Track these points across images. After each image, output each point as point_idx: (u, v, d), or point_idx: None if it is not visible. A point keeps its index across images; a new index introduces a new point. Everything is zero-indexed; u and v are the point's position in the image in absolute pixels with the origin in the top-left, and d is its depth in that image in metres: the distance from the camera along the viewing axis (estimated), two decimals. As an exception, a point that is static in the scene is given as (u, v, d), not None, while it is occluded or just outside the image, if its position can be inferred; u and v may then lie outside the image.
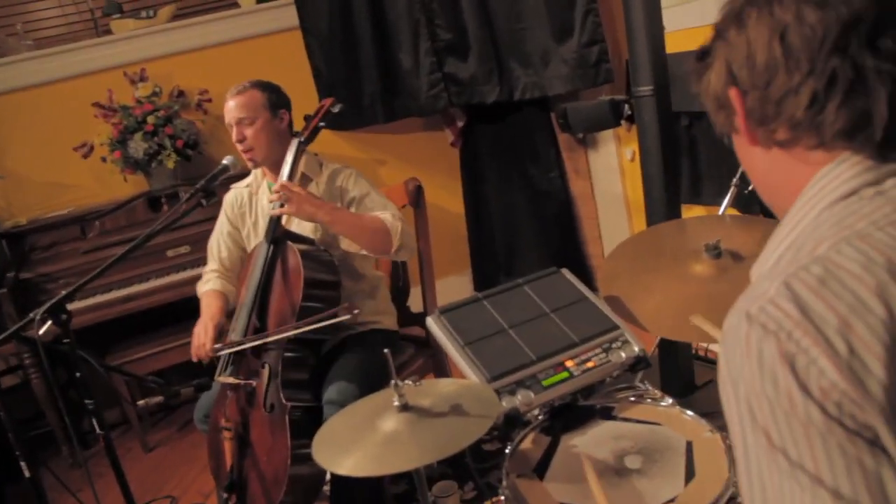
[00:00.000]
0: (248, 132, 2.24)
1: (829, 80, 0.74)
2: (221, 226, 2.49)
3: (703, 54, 0.88)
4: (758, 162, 0.87)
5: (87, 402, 1.78)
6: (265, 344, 2.14)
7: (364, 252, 2.24)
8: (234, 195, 2.47)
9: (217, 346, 2.18)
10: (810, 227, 0.77)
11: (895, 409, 0.63)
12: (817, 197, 0.78)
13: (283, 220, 2.23)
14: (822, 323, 0.66)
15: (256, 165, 2.34)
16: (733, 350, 0.72)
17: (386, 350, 1.50)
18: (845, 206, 0.75)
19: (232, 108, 2.25)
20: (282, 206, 2.12)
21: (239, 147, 2.27)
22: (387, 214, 2.21)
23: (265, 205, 2.37)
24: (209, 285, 2.44)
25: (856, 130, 0.75)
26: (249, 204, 2.44)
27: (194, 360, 2.24)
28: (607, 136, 3.58)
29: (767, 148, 0.84)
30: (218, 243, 2.49)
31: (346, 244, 2.26)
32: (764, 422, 0.68)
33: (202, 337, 2.24)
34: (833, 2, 0.74)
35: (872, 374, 0.64)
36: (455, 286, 4.11)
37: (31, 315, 1.69)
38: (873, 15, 0.73)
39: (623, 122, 2.85)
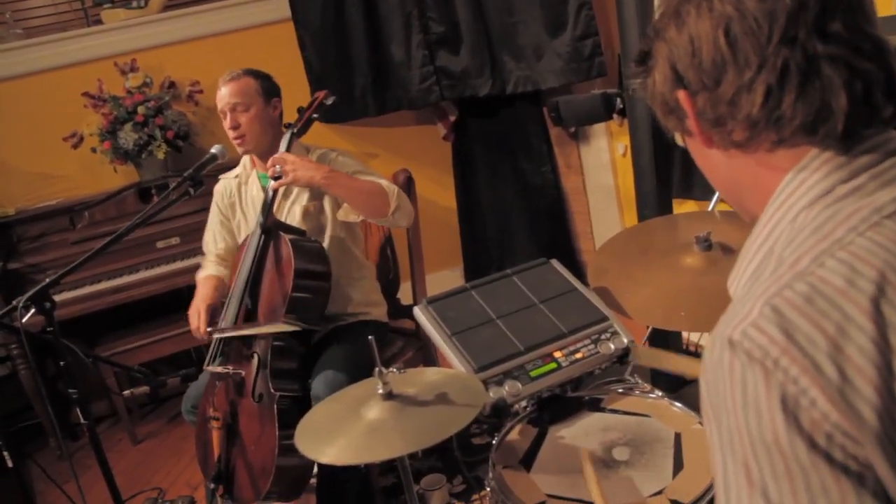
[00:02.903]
0: (243, 119, 2.23)
1: (782, 73, 0.70)
2: (214, 217, 2.48)
3: (644, 56, 0.84)
4: (718, 165, 0.83)
5: (71, 391, 1.76)
6: (255, 333, 2.14)
7: (362, 217, 2.23)
8: (224, 185, 2.46)
9: (209, 328, 2.20)
10: (787, 234, 0.73)
11: (889, 433, 0.60)
12: (790, 201, 0.74)
13: (275, 208, 2.22)
14: (811, 347, 0.62)
15: (247, 152, 2.32)
16: (715, 380, 0.68)
17: (370, 337, 1.48)
18: (822, 208, 0.71)
19: (226, 94, 2.24)
20: (279, 178, 2.11)
21: (232, 134, 2.25)
22: (381, 181, 2.20)
23: (255, 195, 2.36)
24: (205, 271, 2.46)
25: (817, 123, 0.71)
26: (239, 194, 2.42)
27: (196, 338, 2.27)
28: (599, 130, 3.58)
29: (726, 150, 0.79)
30: (213, 235, 2.49)
31: (343, 212, 2.25)
32: (744, 456, 0.65)
33: (195, 320, 2.25)
34: None
35: (865, 400, 0.60)
36: (447, 280, 4.09)
37: (14, 303, 1.67)
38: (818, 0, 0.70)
39: (615, 115, 2.84)
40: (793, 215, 0.73)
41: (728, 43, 0.72)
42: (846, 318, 0.63)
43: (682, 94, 0.79)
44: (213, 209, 2.48)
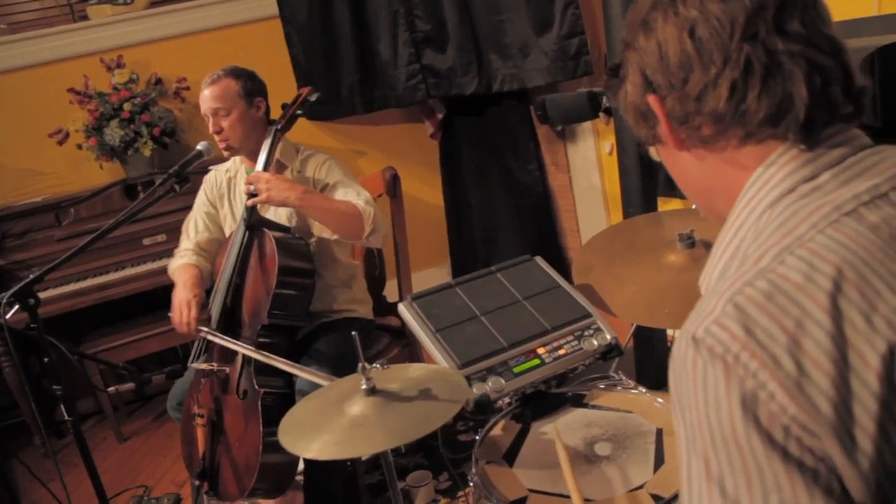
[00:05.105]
0: (225, 123, 2.22)
1: (745, 68, 0.74)
2: (200, 204, 2.45)
3: (616, 69, 0.87)
4: (688, 168, 0.85)
5: (55, 388, 1.75)
6: (240, 330, 2.14)
7: (336, 237, 2.22)
8: (214, 176, 2.45)
9: (201, 327, 2.12)
10: (752, 232, 0.76)
11: (845, 424, 0.62)
12: (755, 200, 0.76)
13: (259, 207, 2.21)
14: (769, 342, 0.64)
15: (233, 153, 2.32)
16: (680, 376, 0.70)
17: (354, 332, 1.49)
18: (785, 206, 0.73)
19: (207, 98, 2.23)
20: (254, 195, 2.11)
21: (216, 137, 2.25)
22: (359, 200, 2.19)
23: (243, 191, 2.36)
24: (183, 260, 2.35)
25: (779, 115, 0.74)
26: (228, 188, 2.42)
27: (181, 332, 2.18)
28: (586, 129, 3.59)
29: (695, 149, 0.82)
30: (195, 221, 2.44)
31: (318, 229, 2.25)
32: (704, 450, 0.67)
33: (185, 314, 2.15)
34: None
35: (822, 392, 0.62)
36: (433, 278, 4.10)
37: (-2, 298, 1.67)
38: (776, 0, 0.74)
39: (601, 114, 2.85)
40: (758, 214, 0.76)
41: (693, 43, 0.76)
42: (804, 313, 0.64)
43: (652, 98, 0.81)
44: (201, 198, 2.45)
